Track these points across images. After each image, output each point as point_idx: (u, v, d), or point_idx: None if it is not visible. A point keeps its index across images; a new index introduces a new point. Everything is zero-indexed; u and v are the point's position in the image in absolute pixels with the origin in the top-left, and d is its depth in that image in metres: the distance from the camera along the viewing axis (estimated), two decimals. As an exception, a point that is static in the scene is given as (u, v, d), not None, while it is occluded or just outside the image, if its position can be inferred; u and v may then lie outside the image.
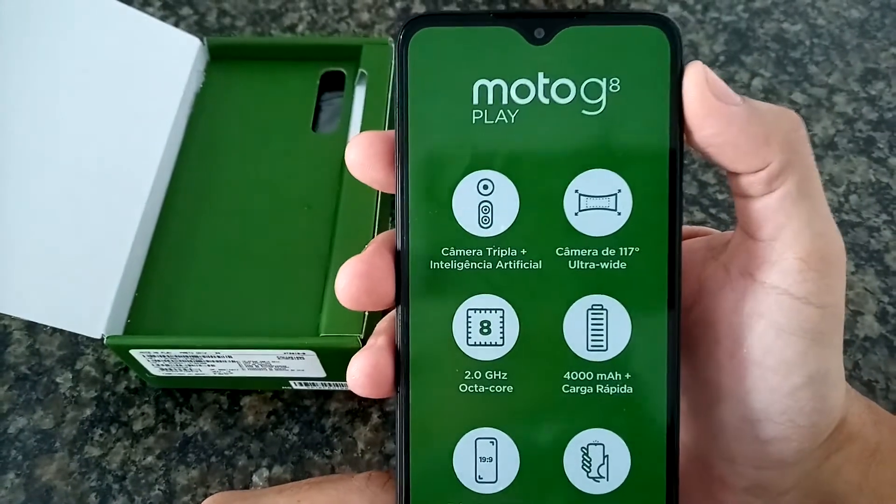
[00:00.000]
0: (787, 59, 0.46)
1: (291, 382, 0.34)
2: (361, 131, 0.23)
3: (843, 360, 0.21)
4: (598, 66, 0.19)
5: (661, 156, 0.19)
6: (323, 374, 0.33)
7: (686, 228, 0.24)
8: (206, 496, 0.32)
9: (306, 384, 0.34)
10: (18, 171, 0.32)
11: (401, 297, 0.20)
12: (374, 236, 0.29)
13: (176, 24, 0.48)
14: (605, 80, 0.19)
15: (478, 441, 0.20)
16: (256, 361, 0.32)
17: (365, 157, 0.20)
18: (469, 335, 0.20)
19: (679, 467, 0.20)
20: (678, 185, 0.19)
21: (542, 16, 0.19)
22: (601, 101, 0.19)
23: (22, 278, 0.31)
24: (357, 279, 0.19)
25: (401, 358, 0.20)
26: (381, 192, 0.35)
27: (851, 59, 0.46)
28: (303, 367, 0.32)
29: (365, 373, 0.20)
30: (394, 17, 0.49)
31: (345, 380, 0.34)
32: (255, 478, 0.33)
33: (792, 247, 0.19)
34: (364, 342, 0.28)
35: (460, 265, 0.19)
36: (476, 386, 0.20)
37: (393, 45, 0.40)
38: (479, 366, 0.20)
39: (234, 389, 0.35)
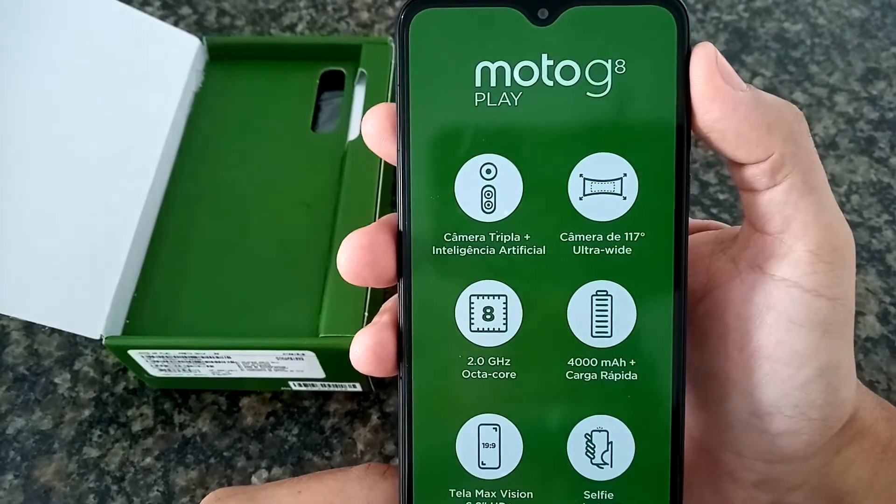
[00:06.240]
0: (787, 59, 0.45)
1: (290, 383, 0.34)
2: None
3: (854, 353, 0.21)
4: (604, 48, 0.18)
5: (667, 139, 0.19)
6: (322, 374, 0.33)
7: (695, 222, 0.24)
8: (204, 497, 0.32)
9: (305, 385, 0.34)
10: (17, 170, 0.32)
11: (403, 282, 0.19)
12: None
13: (175, 24, 0.47)
14: (610, 61, 0.18)
15: (481, 427, 0.20)
16: (255, 362, 0.32)
17: (381, 129, 0.19)
18: (472, 321, 0.19)
19: (684, 454, 0.20)
20: (685, 169, 0.19)
21: None
22: (606, 83, 0.19)
23: (20, 278, 0.31)
24: (359, 251, 0.19)
25: (403, 344, 0.20)
26: (381, 192, 0.35)
27: (852, 58, 0.45)
28: (302, 367, 0.32)
29: (369, 349, 0.20)
30: (393, 17, 0.48)
31: (344, 380, 0.34)
32: (254, 479, 0.33)
33: (801, 239, 0.19)
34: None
35: (463, 251, 0.19)
36: (479, 372, 0.20)
37: (391, 43, 0.40)
38: (481, 352, 0.20)
39: (233, 390, 0.35)
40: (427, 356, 0.20)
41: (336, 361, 0.32)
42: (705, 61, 0.18)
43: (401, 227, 0.19)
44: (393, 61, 0.39)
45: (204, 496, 0.32)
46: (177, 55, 0.39)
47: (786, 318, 0.19)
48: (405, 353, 0.20)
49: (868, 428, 0.22)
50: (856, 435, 0.22)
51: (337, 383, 0.34)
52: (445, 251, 0.19)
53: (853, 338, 0.21)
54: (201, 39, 0.40)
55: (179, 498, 0.32)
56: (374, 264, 0.19)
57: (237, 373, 0.33)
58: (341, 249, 0.20)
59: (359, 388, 0.34)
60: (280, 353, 0.31)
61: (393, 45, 0.40)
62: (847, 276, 0.19)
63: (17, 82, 0.33)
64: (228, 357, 0.32)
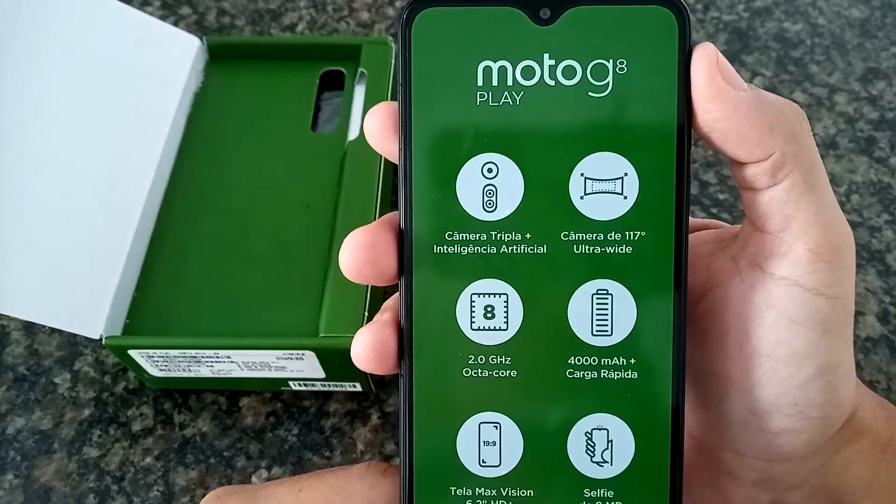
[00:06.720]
0: (787, 59, 0.45)
1: (290, 383, 0.34)
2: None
3: (853, 353, 0.21)
4: (605, 47, 0.19)
5: (668, 139, 0.19)
6: (322, 374, 0.33)
7: (696, 221, 0.24)
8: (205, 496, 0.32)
9: (305, 385, 0.34)
10: (17, 170, 0.32)
11: (404, 281, 0.20)
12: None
13: (175, 24, 0.47)
14: (611, 61, 0.19)
15: (481, 425, 0.20)
16: (255, 362, 0.32)
17: (383, 127, 0.20)
18: (473, 320, 0.20)
19: (684, 453, 0.20)
20: (685, 169, 0.19)
21: None
22: (608, 82, 0.19)
23: (20, 278, 0.31)
24: (361, 250, 0.19)
25: (404, 342, 0.20)
26: (381, 192, 0.35)
27: (852, 58, 0.45)
28: (302, 367, 0.32)
29: (370, 346, 0.20)
30: (393, 17, 0.48)
31: (344, 380, 0.34)
32: (253, 479, 0.33)
33: (801, 238, 0.19)
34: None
35: (464, 249, 0.19)
36: (480, 370, 0.20)
37: (392, 43, 0.40)
38: (482, 350, 0.20)
39: (233, 390, 0.35)
40: (428, 354, 0.20)
41: (336, 361, 0.32)
42: (706, 61, 0.18)
43: (402, 226, 0.19)
44: (393, 61, 0.39)
45: (204, 496, 0.32)
46: (177, 55, 0.39)
47: (785, 317, 0.20)
48: (406, 351, 0.20)
49: (868, 427, 0.22)
50: (855, 434, 0.22)
51: (337, 383, 0.34)
52: (447, 250, 0.19)
53: (853, 337, 0.21)
54: (201, 39, 0.40)
55: (179, 498, 0.32)
56: (376, 263, 0.19)
57: (237, 373, 0.33)
58: (343, 248, 0.20)
59: (359, 387, 0.34)
60: (280, 353, 0.31)
61: (393, 44, 0.40)
62: (847, 276, 0.19)
63: (17, 82, 0.33)
64: (228, 357, 0.32)
